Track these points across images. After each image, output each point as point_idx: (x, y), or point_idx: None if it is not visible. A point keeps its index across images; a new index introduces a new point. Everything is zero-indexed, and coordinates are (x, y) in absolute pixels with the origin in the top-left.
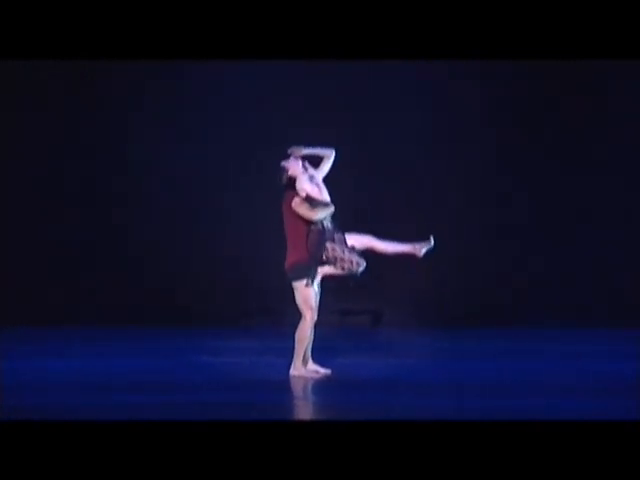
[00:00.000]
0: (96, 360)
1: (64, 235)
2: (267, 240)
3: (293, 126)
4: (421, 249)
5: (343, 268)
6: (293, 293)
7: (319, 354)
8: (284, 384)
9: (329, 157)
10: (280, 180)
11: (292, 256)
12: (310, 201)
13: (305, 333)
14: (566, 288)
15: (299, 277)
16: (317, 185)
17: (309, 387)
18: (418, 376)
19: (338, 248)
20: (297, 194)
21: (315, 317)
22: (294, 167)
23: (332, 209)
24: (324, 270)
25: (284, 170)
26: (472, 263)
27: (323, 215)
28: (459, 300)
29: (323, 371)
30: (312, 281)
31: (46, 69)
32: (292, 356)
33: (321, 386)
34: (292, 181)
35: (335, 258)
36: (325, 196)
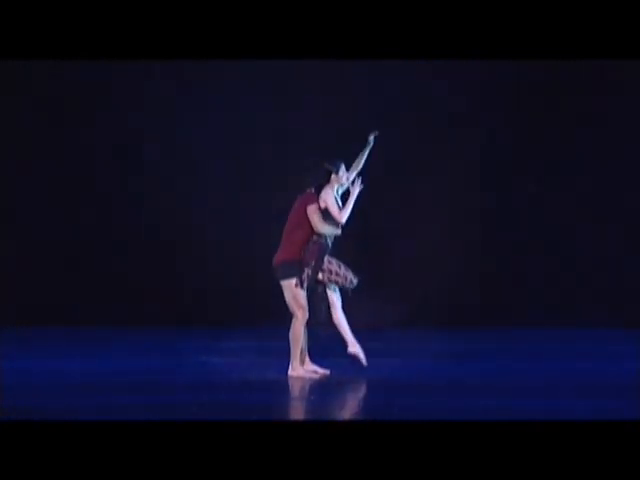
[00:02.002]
0: (96, 360)
1: (64, 235)
2: (267, 240)
3: (293, 126)
4: (355, 350)
5: (337, 282)
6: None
7: (318, 355)
8: (283, 385)
9: (356, 170)
10: (323, 167)
11: (284, 253)
12: (325, 215)
13: (298, 332)
14: (566, 288)
15: (286, 276)
16: (339, 206)
17: (307, 387)
18: (418, 376)
19: (335, 262)
20: (317, 200)
21: (307, 315)
22: (341, 175)
23: (339, 232)
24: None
25: (335, 167)
26: (472, 263)
27: (329, 232)
28: (459, 300)
29: (322, 371)
30: (303, 285)
31: (46, 69)
32: (290, 357)
33: (320, 386)
34: (326, 180)
35: (331, 271)
36: (341, 218)
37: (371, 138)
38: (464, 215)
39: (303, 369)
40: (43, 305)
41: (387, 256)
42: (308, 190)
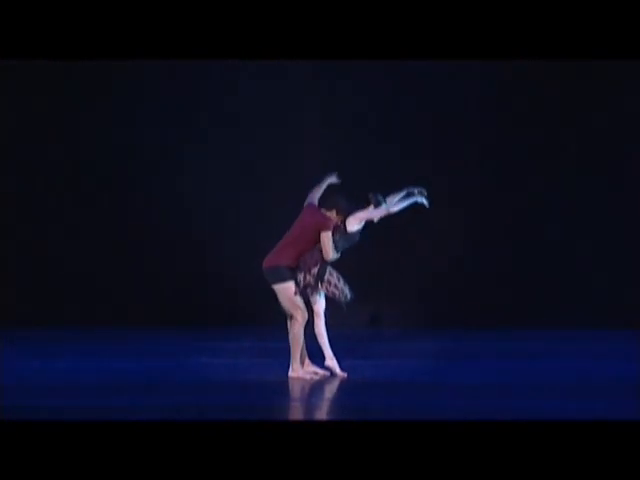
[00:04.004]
0: (96, 361)
1: (64, 235)
2: (268, 240)
3: (293, 126)
4: (332, 364)
5: (334, 294)
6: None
7: (317, 356)
8: (283, 386)
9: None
10: (369, 200)
11: (277, 259)
12: (339, 238)
13: (298, 334)
14: (566, 288)
15: (277, 280)
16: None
17: (307, 388)
18: (418, 376)
19: (335, 274)
20: (338, 226)
21: (306, 316)
22: (381, 212)
23: (338, 256)
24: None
25: (376, 201)
26: (472, 263)
27: (332, 258)
28: (459, 300)
29: (322, 372)
30: (303, 293)
31: (45, 69)
32: (290, 358)
33: (320, 387)
34: (362, 206)
35: (330, 282)
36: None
37: (420, 197)
38: (464, 215)
39: (303, 370)
40: (43, 305)
41: (387, 256)
42: (324, 210)
